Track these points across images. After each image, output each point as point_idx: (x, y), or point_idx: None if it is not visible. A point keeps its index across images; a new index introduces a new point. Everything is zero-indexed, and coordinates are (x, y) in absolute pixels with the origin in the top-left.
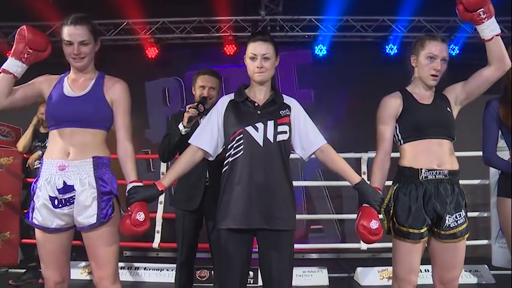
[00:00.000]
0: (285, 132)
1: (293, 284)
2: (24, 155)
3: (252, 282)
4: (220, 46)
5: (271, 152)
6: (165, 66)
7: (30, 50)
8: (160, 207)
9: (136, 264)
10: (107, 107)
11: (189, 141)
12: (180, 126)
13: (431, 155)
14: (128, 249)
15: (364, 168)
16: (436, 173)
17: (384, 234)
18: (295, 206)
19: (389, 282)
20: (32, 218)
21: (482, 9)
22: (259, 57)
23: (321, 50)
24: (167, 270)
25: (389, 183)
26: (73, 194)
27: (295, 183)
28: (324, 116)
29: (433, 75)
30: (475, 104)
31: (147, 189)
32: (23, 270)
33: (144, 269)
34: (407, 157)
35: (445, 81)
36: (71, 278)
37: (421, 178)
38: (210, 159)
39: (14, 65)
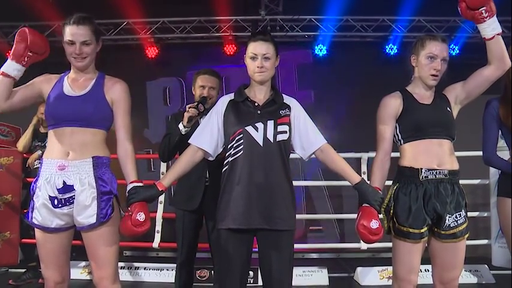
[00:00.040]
0: (285, 132)
1: (293, 283)
2: (24, 155)
3: (252, 282)
4: (220, 46)
5: (271, 152)
6: (165, 66)
7: (30, 53)
8: (160, 207)
9: (136, 264)
10: (107, 107)
11: (189, 141)
12: (180, 126)
13: (432, 155)
14: (127, 249)
15: (364, 168)
16: (436, 172)
17: (384, 234)
18: (295, 206)
19: (389, 282)
20: (31, 218)
21: (484, 8)
22: (259, 57)
23: (321, 50)
24: (167, 270)
25: (390, 183)
26: (73, 194)
27: (295, 183)
28: (324, 116)
29: (433, 75)
30: (475, 104)
31: (147, 190)
32: (23, 270)
33: (144, 268)
34: (408, 157)
35: (445, 81)
36: (71, 278)
37: (421, 178)
38: (210, 159)
39: (14, 69)
